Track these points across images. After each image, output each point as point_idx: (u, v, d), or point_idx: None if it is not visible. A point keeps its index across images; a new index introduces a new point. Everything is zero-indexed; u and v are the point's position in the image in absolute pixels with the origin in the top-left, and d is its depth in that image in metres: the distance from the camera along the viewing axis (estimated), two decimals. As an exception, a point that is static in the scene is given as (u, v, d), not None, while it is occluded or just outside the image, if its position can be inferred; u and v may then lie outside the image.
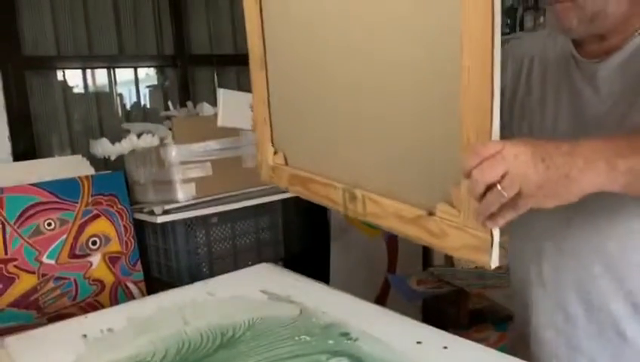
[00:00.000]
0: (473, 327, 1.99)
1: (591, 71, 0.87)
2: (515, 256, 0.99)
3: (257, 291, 1.10)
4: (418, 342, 0.85)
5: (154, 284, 1.61)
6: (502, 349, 0.88)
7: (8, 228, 1.38)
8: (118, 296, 1.55)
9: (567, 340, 0.89)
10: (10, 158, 1.68)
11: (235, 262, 1.76)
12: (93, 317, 1.05)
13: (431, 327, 0.91)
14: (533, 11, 2.80)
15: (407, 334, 0.87)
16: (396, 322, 0.94)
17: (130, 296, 1.55)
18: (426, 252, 2.43)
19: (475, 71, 0.64)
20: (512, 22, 2.89)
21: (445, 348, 0.83)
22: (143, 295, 1.55)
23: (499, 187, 0.61)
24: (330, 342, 0.87)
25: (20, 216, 1.41)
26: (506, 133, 0.95)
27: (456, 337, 0.86)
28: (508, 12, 2.90)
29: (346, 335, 0.88)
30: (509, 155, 0.61)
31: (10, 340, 0.94)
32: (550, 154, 0.61)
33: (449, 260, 2.24)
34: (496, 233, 0.66)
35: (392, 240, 2.53)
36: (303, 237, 2.23)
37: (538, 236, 0.91)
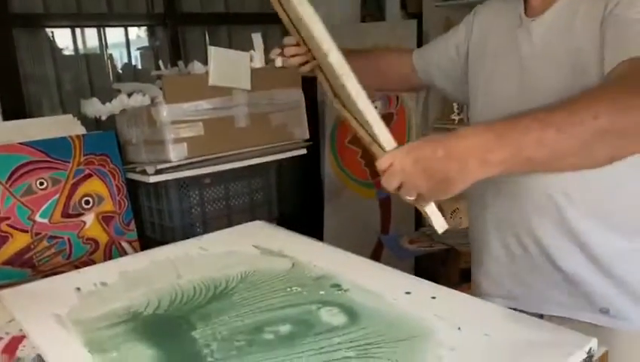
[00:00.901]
0: (463, 285, 2.02)
1: (529, 28, 0.95)
2: (470, 208, 1.15)
3: (250, 246, 1.11)
4: (407, 293, 0.86)
5: (148, 244, 1.62)
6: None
7: (0, 187, 1.38)
8: (113, 255, 1.55)
9: (509, 273, 1.05)
10: (0, 118, 1.66)
11: (229, 222, 1.76)
12: (86, 271, 1.06)
13: (420, 279, 0.92)
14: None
15: (396, 285, 0.89)
16: (386, 274, 0.96)
17: (125, 255, 1.56)
18: (418, 212, 2.45)
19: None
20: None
21: (434, 297, 0.84)
22: (137, 253, 1.56)
23: (401, 193, 0.74)
24: (322, 292, 0.88)
25: (12, 175, 1.41)
26: (460, 96, 1.18)
27: (444, 288, 0.88)
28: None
29: (337, 286, 0.90)
30: (397, 170, 0.72)
31: (5, 293, 0.95)
32: (430, 163, 0.70)
33: (441, 220, 2.26)
34: (429, 207, 0.76)
35: (386, 202, 2.55)
36: (296, 198, 2.24)
37: (481, 185, 0.95)
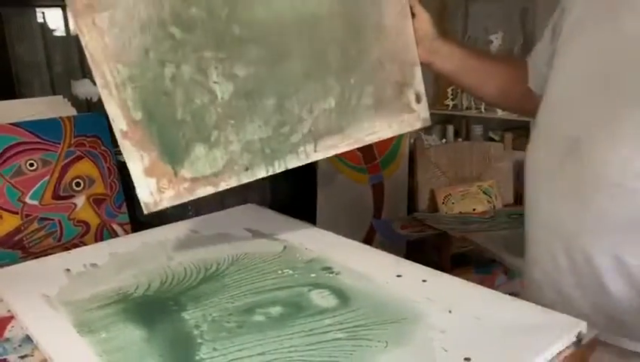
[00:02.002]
0: (455, 270, 2.03)
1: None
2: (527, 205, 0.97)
3: (242, 229, 1.11)
4: (398, 276, 0.86)
5: (139, 226, 1.61)
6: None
7: (-11, 168, 1.37)
8: (104, 237, 1.55)
9: (552, 283, 0.90)
10: (-11, 99, 1.64)
11: (221, 205, 1.75)
12: (76, 252, 1.05)
13: (411, 262, 0.92)
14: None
15: (387, 268, 0.89)
16: (378, 257, 0.96)
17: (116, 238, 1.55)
18: (411, 198, 2.45)
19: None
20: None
21: (424, 281, 0.85)
22: (129, 236, 1.55)
23: None
24: (313, 275, 0.88)
25: (1, 155, 1.39)
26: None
27: (435, 271, 0.88)
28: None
29: (328, 269, 0.90)
30: None
31: (-6, 274, 0.95)
32: None
33: (433, 206, 2.27)
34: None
35: (378, 187, 2.55)
36: (289, 182, 2.24)
37: (538, 173, 0.92)
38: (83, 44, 0.83)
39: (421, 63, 1.04)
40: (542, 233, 0.91)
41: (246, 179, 0.95)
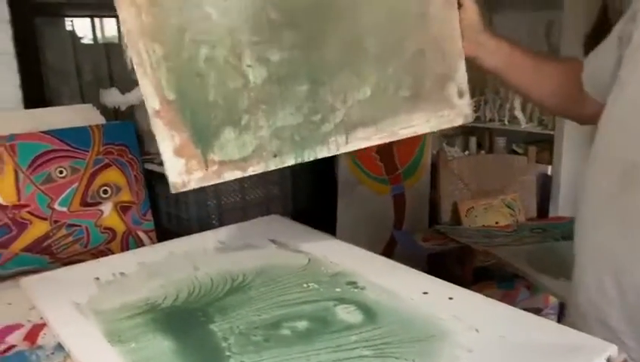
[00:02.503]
0: (477, 285, 2.02)
1: None
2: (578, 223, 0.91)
3: (267, 240, 1.12)
4: (424, 293, 0.86)
5: (164, 234, 1.64)
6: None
7: (21, 175, 1.40)
8: (129, 244, 1.57)
9: (596, 311, 0.85)
10: (22, 106, 1.67)
11: (244, 215, 1.77)
12: (105, 261, 1.07)
13: (437, 279, 0.92)
14: (552, -33, 2.72)
15: (413, 284, 0.89)
16: (403, 273, 0.96)
17: (141, 245, 1.58)
18: (433, 210, 2.44)
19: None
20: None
21: (451, 298, 0.84)
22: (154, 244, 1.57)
23: None
24: (338, 290, 0.88)
25: (32, 162, 1.42)
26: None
27: (461, 289, 0.88)
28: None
29: (353, 283, 0.90)
30: None
31: (25, 281, 0.97)
32: None
33: (455, 219, 2.26)
34: None
35: (400, 198, 2.54)
36: (310, 192, 2.24)
37: (595, 196, 0.85)
38: (120, 19, 0.82)
39: (466, 57, 0.98)
40: (591, 260, 0.85)
41: (274, 165, 0.93)
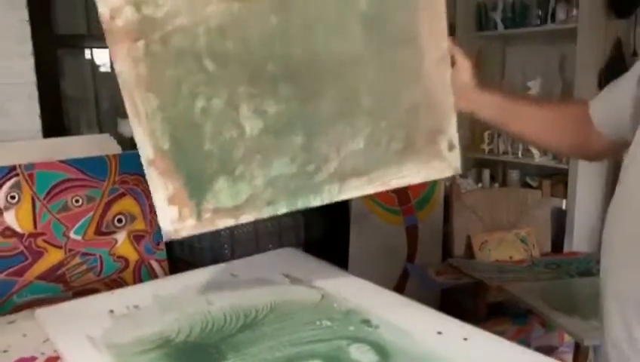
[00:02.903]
0: (491, 320, 1.99)
1: None
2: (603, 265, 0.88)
3: (279, 274, 1.11)
4: (439, 333, 0.85)
5: (177, 264, 1.64)
6: (520, 343, 0.88)
7: (38, 203, 1.42)
8: (142, 273, 1.58)
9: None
10: (40, 135, 1.71)
11: (256, 244, 1.78)
12: (119, 293, 1.07)
13: (451, 318, 0.91)
14: (565, 3, 2.75)
15: (427, 324, 0.88)
16: (417, 311, 0.95)
17: (154, 275, 1.58)
18: (446, 242, 2.42)
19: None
20: (544, 13, 2.83)
21: (465, 339, 0.83)
22: (166, 274, 1.58)
23: None
24: (351, 328, 0.88)
25: (50, 191, 1.44)
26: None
27: (476, 329, 0.87)
28: (539, 3, 2.85)
29: (366, 322, 0.89)
30: None
31: (40, 312, 0.97)
32: None
33: (469, 252, 2.24)
34: None
35: (412, 229, 2.53)
36: (323, 222, 2.24)
37: (626, 235, 0.83)
38: (116, 70, 0.84)
39: (463, 112, 1.01)
40: (617, 305, 0.82)
41: (267, 213, 0.94)
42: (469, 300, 2.07)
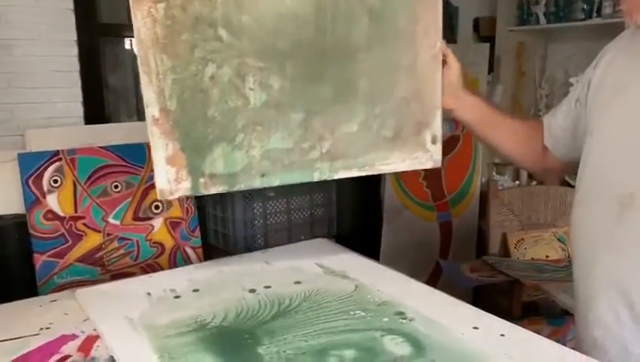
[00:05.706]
0: (525, 319, 1.95)
1: None
2: (575, 253, 0.99)
3: (313, 264, 1.12)
4: (475, 328, 0.84)
5: (211, 251, 1.66)
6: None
7: (79, 188, 1.45)
8: (177, 259, 1.60)
9: (615, 340, 0.87)
10: (82, 122, 1.75)
11: (289, 235, 1.78)
12: (156, 277, 1.09)
13: (487, 313, 0.90)
14: (612, -3, 2.66)
15: (463, 318, 0.87)
16: (452, 306, 0.94)
17: (188, 261, 1.60)
18: (480, 240, 2.39)
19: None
20: (589, 7, 2.75)
21: (502, 335, 0.82)
22: (201, 260, 1.60)
23: None
24: (385, 319, 0.87)
25: (90, 176, 1.48)
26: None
27: (513, 325, 0.85)
28: (585, -3, 2.77)
29: (401, 314, 0.89)
30: None
31: (81, 292, 1.00)
32: None
33: (504, 250, 2.20)
34: None
35: (446, 226, 2.51)
36: (355, 216, 2.24)
37: (591, 232, 0.92)
38: (135, 28, 0.88)
39: (443, 109, 1.08)
40: (601, 290, 0.89)
41: (260, 184, 1.00)
42: (503, 299, 2.03)
